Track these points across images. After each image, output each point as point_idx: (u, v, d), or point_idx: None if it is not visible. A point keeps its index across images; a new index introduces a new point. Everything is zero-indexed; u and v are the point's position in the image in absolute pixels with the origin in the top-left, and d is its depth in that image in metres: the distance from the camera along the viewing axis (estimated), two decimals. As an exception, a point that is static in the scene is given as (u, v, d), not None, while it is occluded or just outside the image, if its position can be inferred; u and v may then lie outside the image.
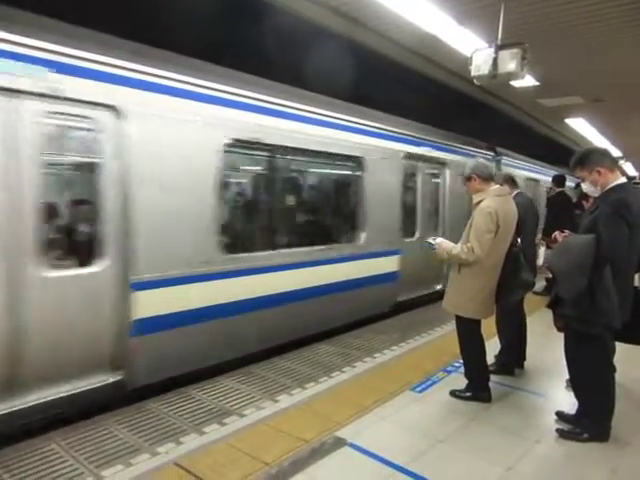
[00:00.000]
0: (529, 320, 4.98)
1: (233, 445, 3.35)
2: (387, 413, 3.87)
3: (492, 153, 10.68)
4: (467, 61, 5.65)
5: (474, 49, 5.62)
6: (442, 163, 8.64)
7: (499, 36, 5.64)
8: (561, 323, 3.56)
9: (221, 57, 5.19)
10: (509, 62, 5.28)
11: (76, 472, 3.18)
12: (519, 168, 11.83)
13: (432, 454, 3.30)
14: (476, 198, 4.01)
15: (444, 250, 4.00)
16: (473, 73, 5.56)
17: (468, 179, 4.06)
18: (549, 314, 3.69)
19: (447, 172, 8.76)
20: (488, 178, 4.01)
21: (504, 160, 10.98)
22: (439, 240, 4.15)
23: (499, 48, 5.42)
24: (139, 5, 5.47)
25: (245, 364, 5.07)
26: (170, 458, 3.18)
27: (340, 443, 3.38)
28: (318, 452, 3.27)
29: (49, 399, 3.73)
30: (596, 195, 3.47)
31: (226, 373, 4.89)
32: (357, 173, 6.71)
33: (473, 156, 8.53)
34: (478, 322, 4.03)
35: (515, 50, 5.31)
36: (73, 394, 3.85)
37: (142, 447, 3.47)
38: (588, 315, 3.23)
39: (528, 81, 8.50)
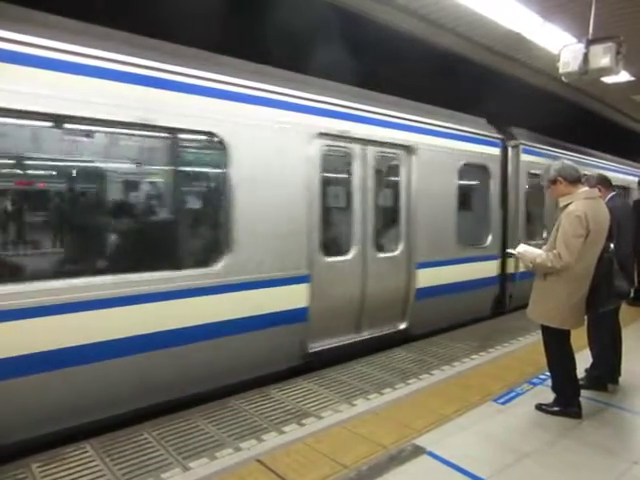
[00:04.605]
0: (624, 332, 4.64)
1: (312, 446, 3.41)
2: (468, 423, 3.76)
3: None
4: (554, 58, 5.41)
5: (562, 45, 5.36)
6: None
7: (590, 30, 5.34)
8: None
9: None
10: (602, 57, 4.97)
11: (166, 461, 3.38)
12: None
13: (517, 469, 3.16)
14: (562, 202, 3.78)
15: (527, 260, 3.80)
16: (561, 70, 5.29)
17: (553, 182, 3.82)
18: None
19: None
20: (575, 180, 3.78)
21: None
22: (522, 249, 3.91)
23: (590, 43, 5.13)
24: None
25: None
26: (252, 454, 3.30)
27: (419, 451, 3.33)
28: (396, 459, 3.24)
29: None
30: None
31: (303, 375, 4.99)
32: None
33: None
34: (567, 332, 3.80)
35: (608, 44, 4.99)
36: None
37: (226, 442, 3.62)
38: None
39: (622, 76, 7.94)
